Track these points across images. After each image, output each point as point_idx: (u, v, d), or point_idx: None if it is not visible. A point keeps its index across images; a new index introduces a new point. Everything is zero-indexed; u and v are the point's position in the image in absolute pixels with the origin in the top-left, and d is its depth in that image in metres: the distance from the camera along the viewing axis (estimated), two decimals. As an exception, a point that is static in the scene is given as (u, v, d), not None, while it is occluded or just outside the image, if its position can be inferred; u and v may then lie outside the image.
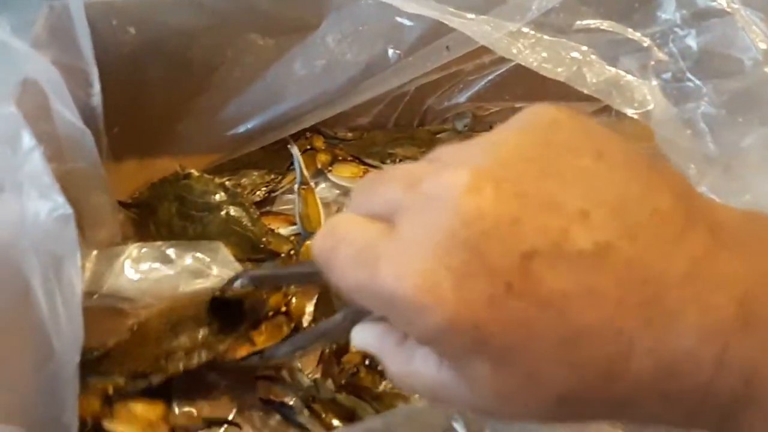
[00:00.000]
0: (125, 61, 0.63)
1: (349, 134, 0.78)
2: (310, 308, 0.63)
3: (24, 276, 0.38)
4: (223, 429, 0.53)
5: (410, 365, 0.25)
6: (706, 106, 0.54)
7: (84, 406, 0.45)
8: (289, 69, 0.67)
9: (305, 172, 0.67)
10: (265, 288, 0.54)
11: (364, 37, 0.64)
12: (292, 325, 0.55)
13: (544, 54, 0.53)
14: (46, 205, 0.39)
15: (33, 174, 0.41)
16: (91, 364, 0.49)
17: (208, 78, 0.68)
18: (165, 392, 0.52)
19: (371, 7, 0.62)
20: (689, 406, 0.22)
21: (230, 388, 0.55)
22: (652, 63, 0.56)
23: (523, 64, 0.53)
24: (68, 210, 0.39)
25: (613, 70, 0.54)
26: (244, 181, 0.73)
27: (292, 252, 0.63)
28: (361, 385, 0.57)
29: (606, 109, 0.59)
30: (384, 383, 0.58)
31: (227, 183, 0.66)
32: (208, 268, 0.56)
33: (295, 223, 0.69)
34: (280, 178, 0.73)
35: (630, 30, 0.55)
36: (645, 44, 0.55)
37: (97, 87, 0.58)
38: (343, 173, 0.73)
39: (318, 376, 0.57)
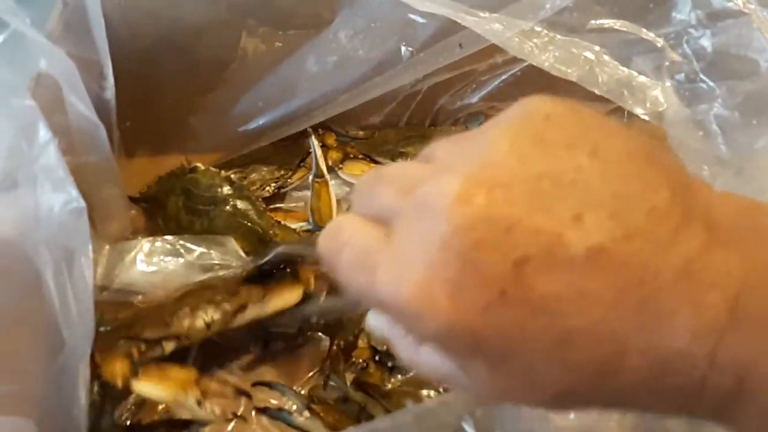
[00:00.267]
0: (138, 55, 0.63)
1: (361, 132, 0.78)
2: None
3: (36, 269, 0.38)
4: (232, 424, 0.53)
5: (418, 354, 0.26)
6: (719, 108, 0.54)
7: (111, 369, 0.45)
8: (301, 65, 0.67)
9: (322, 165, 0.66)
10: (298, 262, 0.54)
11: (376, 33, 0.64)
12: (302, 287, 0.55)
13: (557, 54, 0.53)
14: (59, 198, 0.39)
15: (48, 167, 0.41)
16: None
17: (220, 73, 0.68)
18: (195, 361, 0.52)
19: (384, 4, 0.61)
20: (683, 401, 0.23)
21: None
22: (666, 64, 0.55)
23: (534, 63, 0.53)
24: (81, 203, 0.39)
25: (626, 70, 0.53)
26: (254, 176, 0.73)
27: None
28: (369, 382, 0.57)
29: (618, 110, 0.58)
30: (393, 381, 0.58)
31: (233, 176, 0.66)
32: (217, 262, 0.56)
33: (305, 220, 0.69)
34: (290, 174, 0.73)
35: (644, 30, 0.54)
36: (659, 45, 0.54)
37: (110, 80, 0.58)
38: (354, 171, 0.73)
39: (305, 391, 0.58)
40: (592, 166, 0.22)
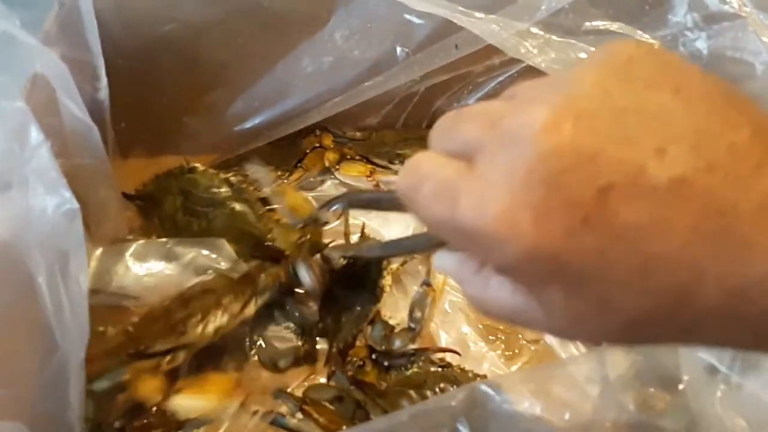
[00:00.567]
0: (133, 56, 0.63)
1: (358, 134, 0.78)
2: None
3: (30, 271, 0.38)
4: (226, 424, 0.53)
5: (486, 291, 0.27)
6: (715, 110, 0.54)
7: (145, 388, 0.45)
8: (297, 65, 0.67)
9: (267, 176, 0.67)
10: (362, 209, 0.54)
11: (372, 34, 0.64)
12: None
13: (553, 55, 0.53)
14: (52, 200, 0.39)
15: (40, 169, 0.41)
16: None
17: (216, 74, 0.68)
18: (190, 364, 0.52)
19: (380, 4, 0.61)
20: (759, 330, 0.23)
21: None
22: (662, 66, 0.55)
23: (531, 64, 0.52)
24: (75, 205, 0.39)
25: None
26: (251, 176, 0.73)
27: (301, 239, 0.63)
28: (366, 381, 0.57)
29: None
30: (388, 380, 0.58)
31: (232, 178, 0.66)
32: (212, 265, 0.56)
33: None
34: (286, 174, 0.73)
35: (640, 32, 0.54)
36: (655, 47, 0.54)
37: (104, 81, 0.58)
38: (350, 172, 0.73)
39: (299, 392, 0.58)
40: (675, 103, 0.23)
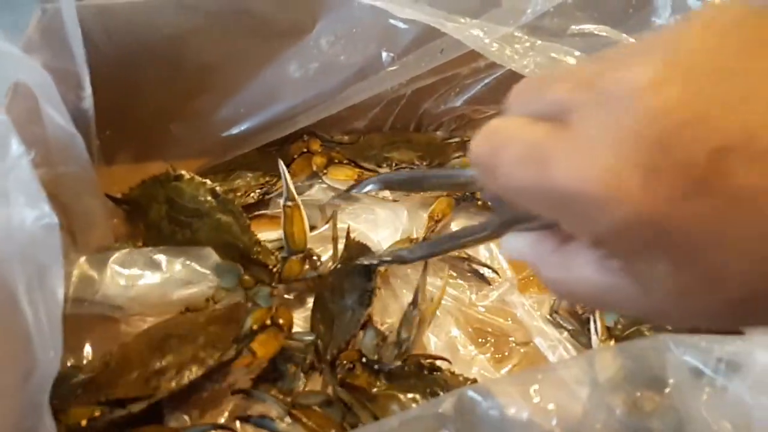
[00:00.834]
0: (117, 63, 0.63)
1: (346, 137, 0.77)
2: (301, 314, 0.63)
3: (8, 285, 0.37)
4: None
5: (569, 270, 0.25)
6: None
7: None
8: (283, 71, 0.67)
9: (292, 189, 0.64)
10: (400, 190, 0.51)
11: (357, 39, 0.64)
12: (285, 333, 0.54)
13: (537, 59, 0.53)
14: (32, 213, 0.39)
15: (20, 181, 0.40)
16: (72, 392, 0.48)
17: (201, 80, 0.67)
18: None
19: (365, 10, 0.61)
20: None
21: (223, 394, 0.55)
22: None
23: (515, 69, 0.52)
24: (54, 219, 0.39)
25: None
26: (239, 182, 0.72)
27: (275, 268, 0.62)
28: (355, 384, 0.57)
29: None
30: (378, 385, 0.58)
31: (218, 188, 0.65)
32: (198, 276, 0.55)
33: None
34: (275, 180, 0.73)
35: (624, 35, 0.55)
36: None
37: (88, 90, 0.58)
38: (338, 176, 0.73)
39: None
40: None
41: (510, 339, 0.64)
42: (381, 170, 0.73)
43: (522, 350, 0.63)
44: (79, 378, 0.49)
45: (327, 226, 0.69)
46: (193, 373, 0.49)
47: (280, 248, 0.64)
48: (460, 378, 0.59)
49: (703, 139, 0.20)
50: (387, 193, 0.74)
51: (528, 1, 0.54)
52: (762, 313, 0.23)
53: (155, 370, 0.50)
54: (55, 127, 0.51)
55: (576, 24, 0.55)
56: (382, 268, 0.65)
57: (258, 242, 0.64)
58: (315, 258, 0.64)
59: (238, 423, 0.55)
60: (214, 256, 0.56)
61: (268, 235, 0.67)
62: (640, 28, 0.55)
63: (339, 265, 0.64)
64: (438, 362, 0.60)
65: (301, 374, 0.57)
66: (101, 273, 0.53)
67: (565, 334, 0.63)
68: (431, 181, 0.36)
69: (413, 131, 0.78)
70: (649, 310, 0.24)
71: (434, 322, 0.65)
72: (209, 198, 0.64)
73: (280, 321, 0.55)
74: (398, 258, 0.48)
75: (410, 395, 0.57)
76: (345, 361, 0.59)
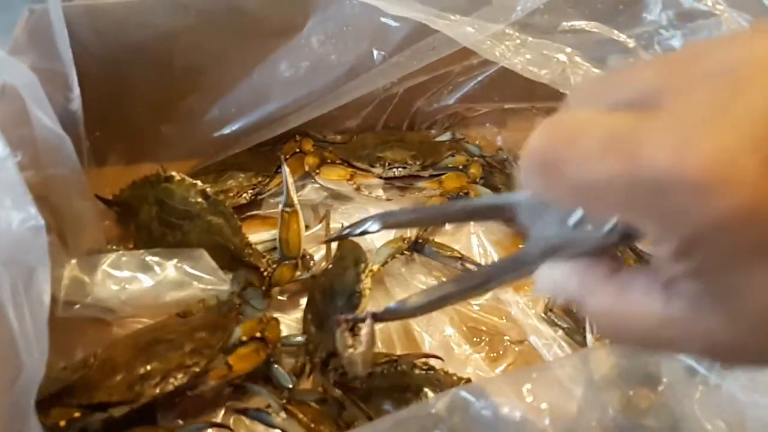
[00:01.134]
0: (106, 64, 0.62)
1: (338, 137, 0.77)
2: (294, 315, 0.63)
3: (-6, 287, 0.37)
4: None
5: (626, 300, 0.22)
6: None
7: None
8: (274, 70, 0.66)
9: (292, 194, 0.62)
10: (396, 228, 0.51)
11: (348, 38, 0.63)
12: (268, 350, 0.54)
13: (529, 56, 0.52)
14: (18, 215, 0.38)
15: (6, 183, 0.40)
16: (53, 395, 0.48)
17: (192, 80, 0.67)
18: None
19: (355, 8, 0.61)
20: None
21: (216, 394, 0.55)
22: (638, 64, 0.55)
23: (506, 66, 0.52)
24: (40, 221, 0.38)
25: (599, 71, 0.53)
26: (231, 183, 0.72)
27: (265, 272, 0.61)
28: (348, 385, 0.57)
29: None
30: (371, 385, 0.57)
31: (209, 190, 0.64)
32: (190, 278, 0.55)
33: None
34: (267, 180, 0.72)
35: (615, 31, 0.54)
36: (630, 45, 0.54)
37: (76, 91, 0.58)
38: (331, 176, 0.72)
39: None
40: None
41: (504, 337, 0.64)
42: (374, 169, 0.73)
43: (517, 349, 0.63)
44: (62, 378, 0.48)
45: (320, 225, 0.68)
46: (178, 380, 0.49)
47: (273, 249, 0.63)
48: (454, 377, 0.59)
49: None
50: (380, 192, 0.73)
51: (518, -2, 0.54)
52: None
53: (140, 375, 0.49)
54: (42, 128, 0.51)
55: (567, 20, 0.55)
56: (374, 268, 0.64)
57: (249, 244, 0.63)
58: (308, 257, 0.64)
59: (231, 420, 0.55)
60: (206, 258, 0.55)
61: (261, 236, 0.66)
62: (631, 25, 0.55)
63: (330, 266, 0.64)
64: (431, 361, 0.59)
65: (294, 377, 0.56)
66: (93, 275, 0.52)
67: (560, 332, 0.63)
68: (429, 219, 0.30)
69: (406, 130, 0.78)
70: (727, 344, 0.20)
71: (428, 321, 0.64)
72: (200, 199, 0.63)
73: (267, 335, 0.54)
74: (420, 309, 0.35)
75: (404, 395, 0.57)
76: (339, 364, 0.59)
